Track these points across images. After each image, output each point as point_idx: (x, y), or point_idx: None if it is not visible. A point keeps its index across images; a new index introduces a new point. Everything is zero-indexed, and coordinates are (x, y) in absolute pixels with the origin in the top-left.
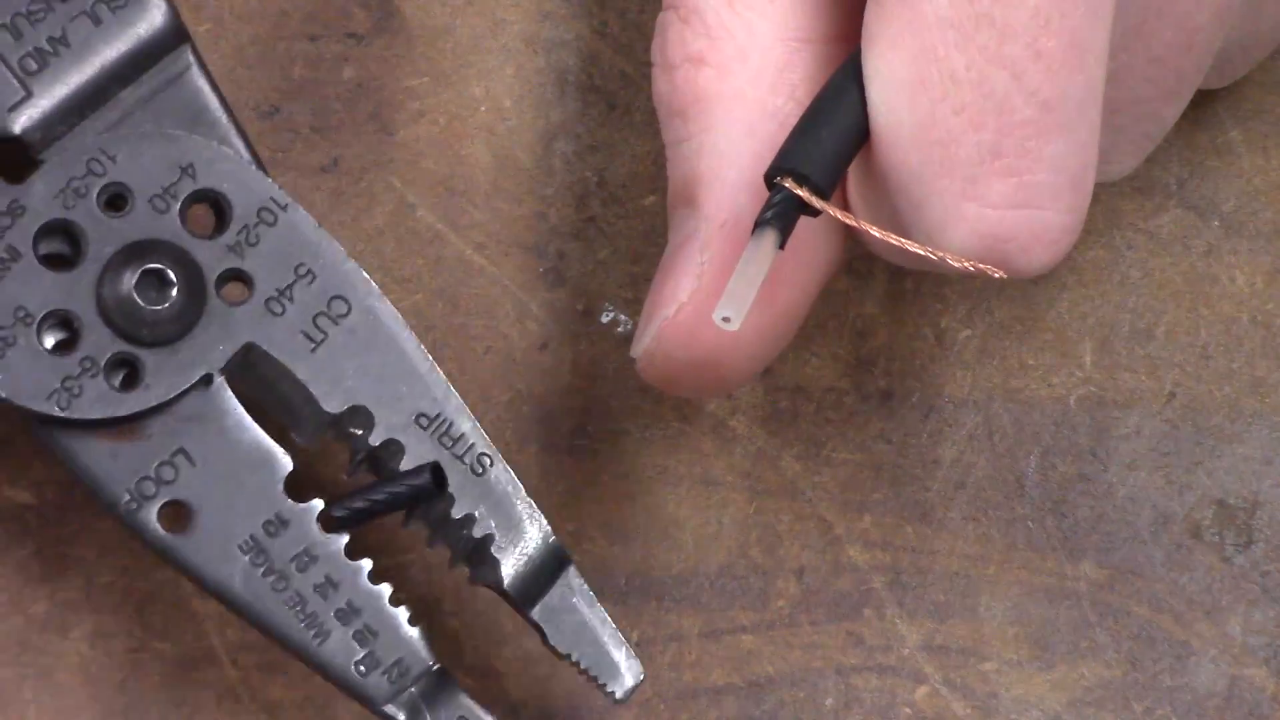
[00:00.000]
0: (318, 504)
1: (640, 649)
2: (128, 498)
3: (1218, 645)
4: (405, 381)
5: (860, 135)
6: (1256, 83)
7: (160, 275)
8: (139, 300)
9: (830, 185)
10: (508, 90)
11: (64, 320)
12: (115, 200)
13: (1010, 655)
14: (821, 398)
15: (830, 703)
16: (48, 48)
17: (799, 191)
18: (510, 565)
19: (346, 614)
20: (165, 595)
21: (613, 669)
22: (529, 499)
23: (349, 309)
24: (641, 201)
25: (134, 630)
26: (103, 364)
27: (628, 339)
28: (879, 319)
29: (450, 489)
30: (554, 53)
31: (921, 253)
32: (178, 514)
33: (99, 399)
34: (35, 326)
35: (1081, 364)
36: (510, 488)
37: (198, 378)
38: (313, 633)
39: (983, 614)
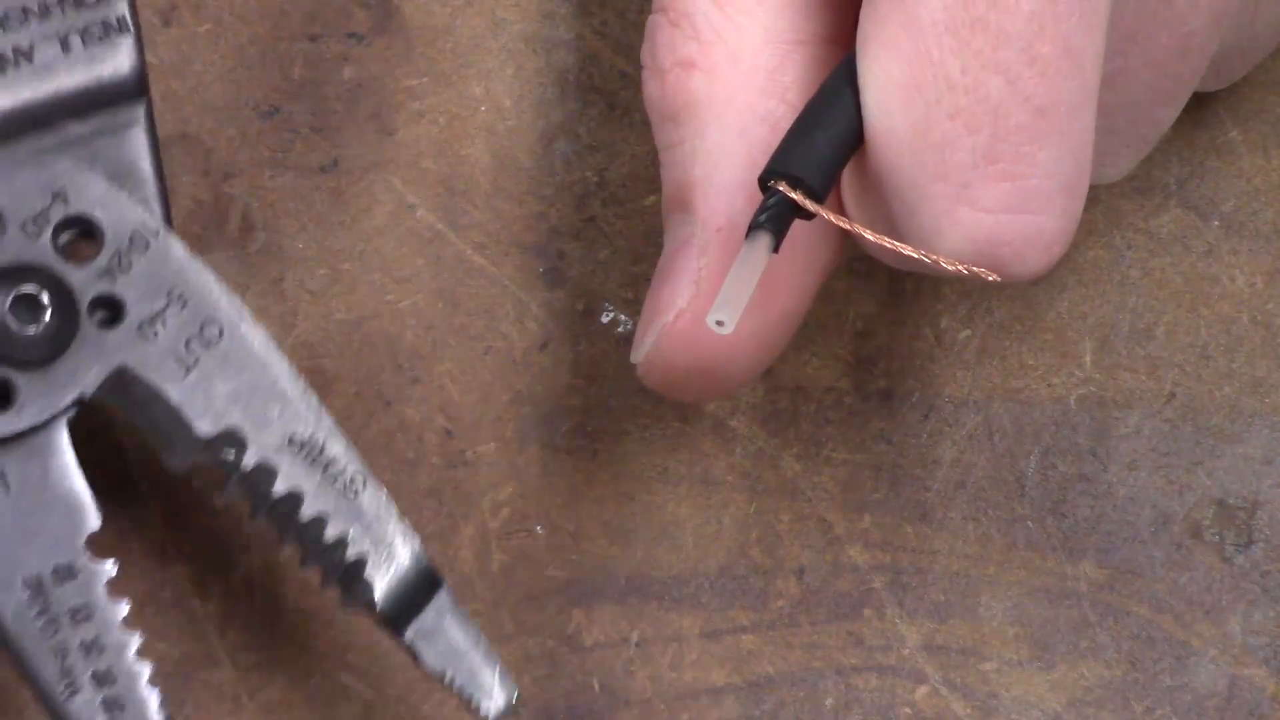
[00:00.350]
0: (111, 568)
1: (640, 649)
2: None
3: (1218, 645)
4: (277, 404)
5: (855, 138)
6: (1256, 83)
7: (33, 300)
8: (10, 324)
9: (825, 189)
10: (508, 90)
11: None
12: None
13: (1010, 655)
14: (821, 398)
15: (830, 703)
16: (9, 56)
17: (793, 195)
18: (382, 587)
19: (102, 679)
20: (165, 595)
21: (485, 688)
22: (402, 521)
23: (221, 333)
24: (642, 201)
25: (134, 630)
26: None
27: (628, 339)
28: (879, 319)
29: (322, 512)
30: (554, 53)
31: (916, 256)
32: None
33: None
34: None
35: (1081, 364)
36: (383, 510)
37: (70, 399)
38: (64, 684)
39: (983, 614)
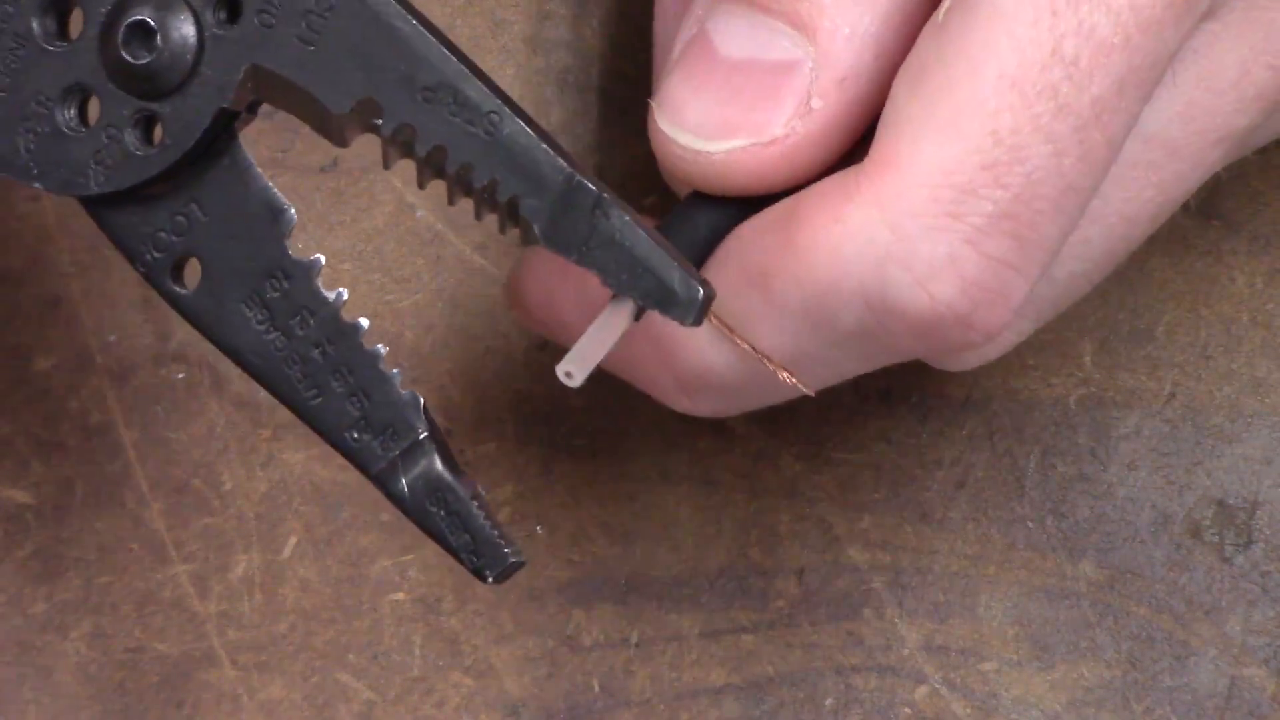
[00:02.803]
0: (320, 259)
1: (640, 649)
2: (146, 254)
3: (1218, 645)
4: (402, 60)
5: (731, 227)
6: None
7: (143, 27)
8: (130, 58)
9: (695, 269)
10: (507, 90)
11: (81, 94)
12: None
13: (1010, 655)
14: (821, 398)
15: (830, 703)
16: None
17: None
18: (541, 222)
19: (341, 374)
20: (165, 595)
21: (669, 296)
22: (544, 146)
23: (334, 1)
24: (642, 201)
25: (134, 630)
26: (125, 128)
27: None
28: None
29: (467, 160)
30: (554, 53)
31: (749, 350)
32: (188, 268)
33: (130, 164)
34: (56, 108)
35: (1081, 364)
36: (524, 140)
37: (213, 115)
38: (310, 392)
39: (983, 614)
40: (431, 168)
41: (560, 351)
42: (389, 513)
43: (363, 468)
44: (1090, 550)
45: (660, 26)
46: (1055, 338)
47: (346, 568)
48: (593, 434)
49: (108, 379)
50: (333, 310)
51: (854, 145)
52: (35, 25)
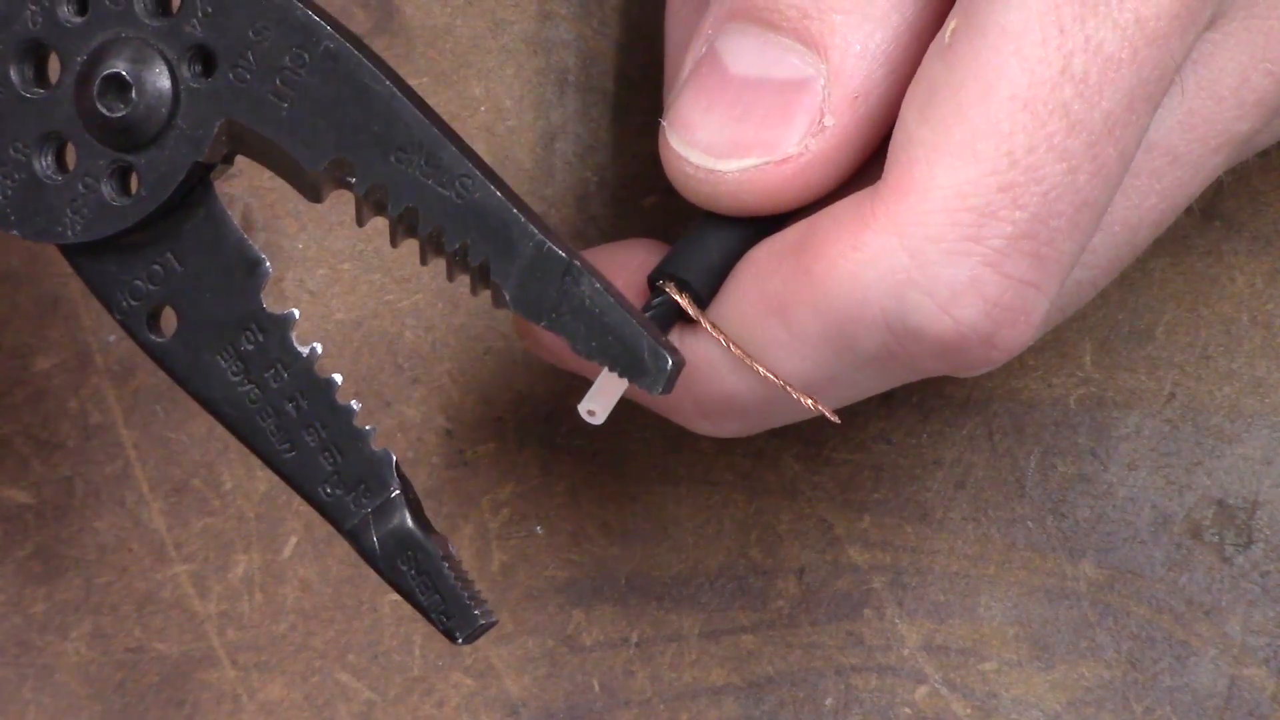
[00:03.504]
0: (293, 313)
1: (640, 649)
2: (123, 302)
3: (1218, 645)
4: (375, 120)
5: (744, 249)
6: None
7: (118, 80)
8: (106, 110)
9: (709, 294)
10: (508, 90)
11: (59, 142)
12: (80, 4)
13: (1010, 655)
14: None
15: (830, 703)
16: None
17: (678, 298)
18: (511, 287)
19: (314, 429)
20: (165, 595)
21: (638, 365)
22: (515, 211)
23: (307, 59)
24: (641, 201)
25: (134, 630)
26: (101, 178)
27: None
28: None
29: (439, 223)
30: (554, 53)
31: (772, 379)
32: (164, 317)
33: (107, 214)
34: (34, 156)
35: (1081, 364)
36: (494, 204)
37: (188, 167)
38: (285, 446)
39: (983, 614)
40: (404, 227)
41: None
42: None
43: (335, 523)
44: (1090, 550)
45: (671, 30)
46: (1055, 338)
47: (346, 568)
48: (593, 434)
49: (108, 379)
50: (306, 365)
51: (867, 162)
52: (13, 73)
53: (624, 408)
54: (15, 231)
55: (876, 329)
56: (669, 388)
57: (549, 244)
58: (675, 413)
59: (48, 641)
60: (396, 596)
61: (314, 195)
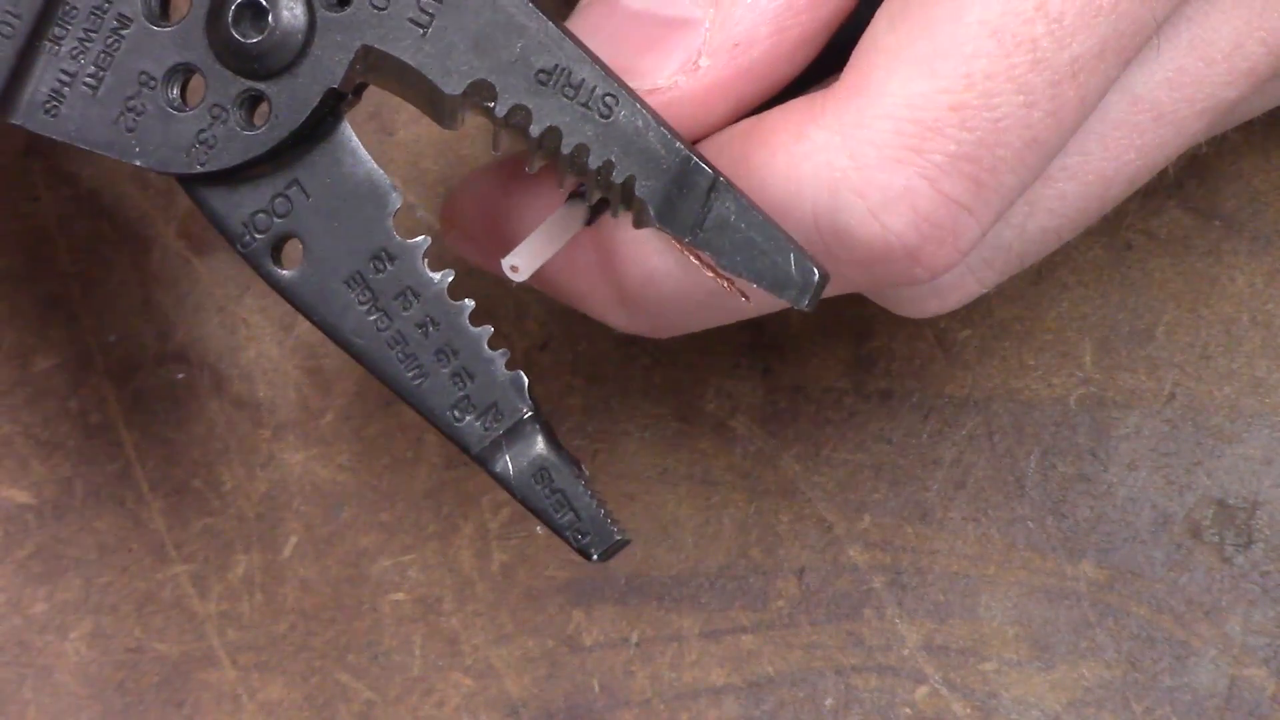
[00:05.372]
0: (424, 240)
1: (640, 649)
2: (246, 235)
3: (1218, 645)
4: (517, 41)
5: None
6: None
7: (254, 7)
8: (240, 38)
9: None
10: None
11: (186, 73)
12: None
13: (1010, 655)
14: (821, 398)
15: (830, 703)
16: None
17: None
18: (656, 203)
19: (446, 354)
20: (165, 595)
21: (785, 279)
22: (661, 128)
23: None
24: None
25: (134, 630)
26: (230, 107)
27: (627, 339)
28: (879, 319)
29: (581, 142)
30: None
31: (695, 261)
32: (289, 248)
33: (234, 144)
34: (160, 87)
35: (1081, 364)
36: (639, 122)
37: (321, 96)
38: (412, 373)
39: (983, 614)
40: (544, 150)
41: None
42: (389, 513)
43: (464, 447)
44: (1090, 550)
45: None
46: (1055, 338)
47: (346, 568)
48: (593, 434)
49: (108, 379)
50: (438, 291)
51: (743, 116)
52: (140, 5)
53: (624, 408)
54: (139, 162)
55: (805, 224)
56: (814, 302)
57: (695, 159)
58: (594, 299)
59: (47, 641)
60: (397, 596)
61: (451, 122)
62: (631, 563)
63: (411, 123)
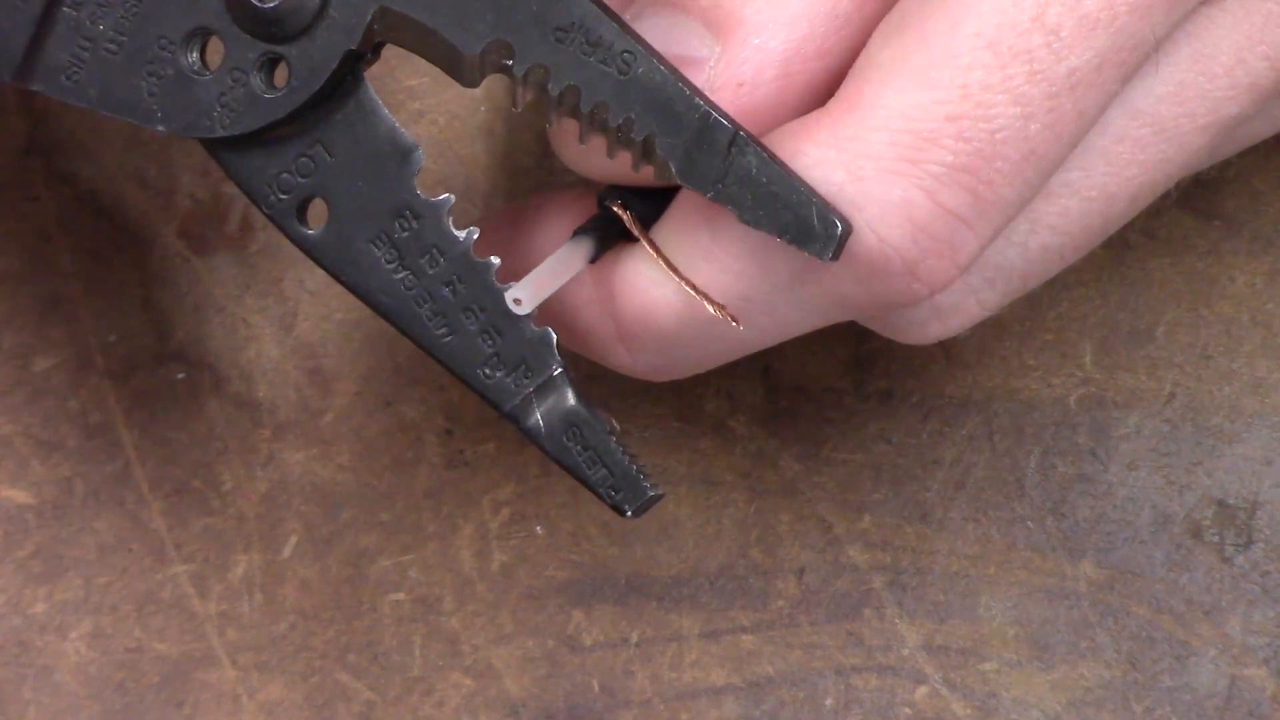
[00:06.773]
0: (449, 198)
1: (640, 649)
2: (270, 195)
3: (1218, 645)
4: (533, 1)
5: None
6: None
7: None
8: (257, 2)
9: (653, 217)
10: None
11: (204, 36)
12: None
13: (1010, 655)
14: (821, 398)
15: (830, 703)
16: None
17: (624, 215)
18: (677, 159)
19: (473, 311)
20: (165, 595)
21: (808, 231)
22: (679, 84)
23: None
24: None
25: (133, 630)
26: (250, 71)
27: None
28: None
29: (601, 99)
30: None
31: (686, 282)
32: (314, 208)
33: (256, 107)
34: (179, 52)
35: (1081, 364)
36: (658, 78)
37: (340, 57)
38: (441, 330)
39: (983, 614)
40: (564, 107)
41: None
42: (389, 513)
43: (496, 404)
44: (1090, 550)
45: None
46: (1055, 338)
47: (346, 568)
48: None
49: (108, 379)
50: (464, 248)
51: None
52: None
53: (624, 408)
54: (162, 127)
55: None
56: (838, 253)
57: (714, 115)
58: (595, 339)
59: (47, 641)
60: (397, 596)
61: (471, 80)
62: (631, 563)
63: (411, 123)
